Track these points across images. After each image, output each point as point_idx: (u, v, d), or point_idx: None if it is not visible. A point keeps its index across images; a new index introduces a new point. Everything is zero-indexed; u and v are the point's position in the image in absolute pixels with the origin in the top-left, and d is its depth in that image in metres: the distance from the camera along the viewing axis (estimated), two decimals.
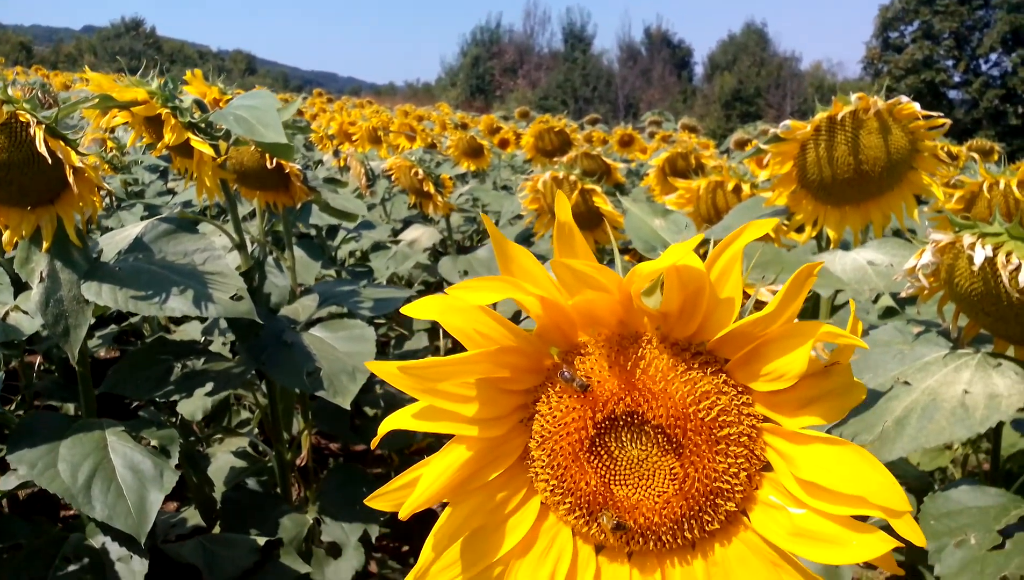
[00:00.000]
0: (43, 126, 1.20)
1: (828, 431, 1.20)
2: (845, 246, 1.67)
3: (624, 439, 0.48)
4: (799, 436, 0.44)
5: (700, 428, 0.45)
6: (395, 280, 4.02)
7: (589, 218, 2.07)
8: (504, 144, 6.90)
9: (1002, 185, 1.56)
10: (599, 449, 0.48)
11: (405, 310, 0.44)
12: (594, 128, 11.02)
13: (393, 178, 3.36)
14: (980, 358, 1.15)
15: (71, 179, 1.23)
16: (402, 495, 0.48)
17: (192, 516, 1.83)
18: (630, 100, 58.73)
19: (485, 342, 0.46)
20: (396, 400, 2.10)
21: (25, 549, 1.39)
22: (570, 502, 0.49)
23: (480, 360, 0.46)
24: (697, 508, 0.46)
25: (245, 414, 2.72)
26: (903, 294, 1.20)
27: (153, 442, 1.41)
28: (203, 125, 1.54)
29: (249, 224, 3.16)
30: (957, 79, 42.82)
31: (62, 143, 1.23)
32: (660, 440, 0.47)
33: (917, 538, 0.40)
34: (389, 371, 0.44)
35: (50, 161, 1.19)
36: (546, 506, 0.50)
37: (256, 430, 2.38)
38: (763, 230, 0.42)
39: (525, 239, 4.02)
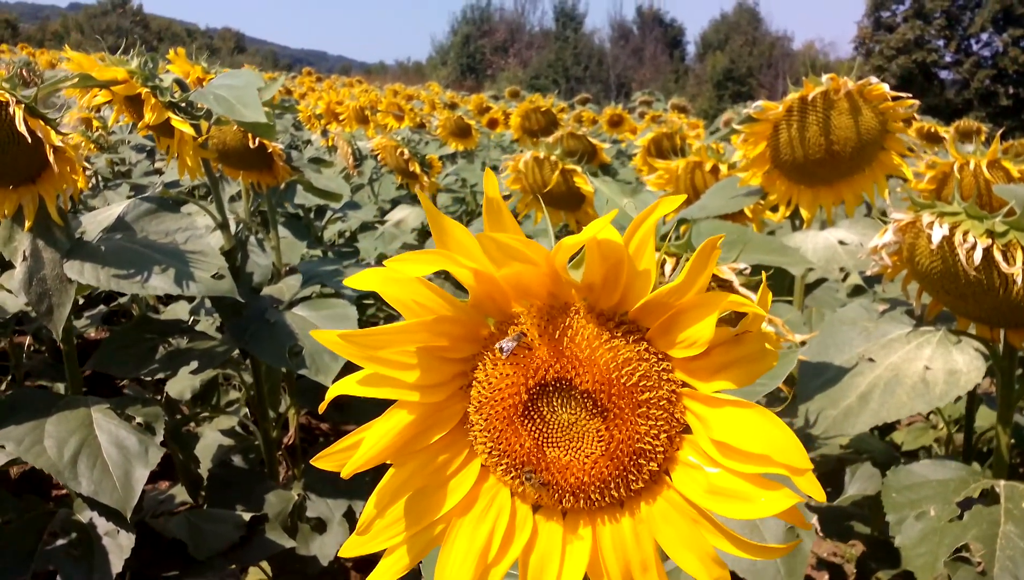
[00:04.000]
0: (23, 105, 1.21)
1: (793, 405, 1.23)
2: (821, 226, 1.70)
3: (555, 404, 0.51)
4: (713, 399, 0.47)
5: (623, 393, 0.48)
6: (383, 259, 4.04)
7: (570, 198, 2.09)
8: (493, 124, 6.90)
9: (972, 165, 1.59)
10: (532, 414, 0.51)
11: (347, 282, 0.47)
12: (584, 108, 11.00)
13: (379, 158, 3.37)
14: (941, 335, 1.18)
15: (51, 158, 1.25)
16: (346, 456, 0.51)
17: (180, 493, 1.85)
18: (622, 80, 58.51)
19: (423, 312, 0.49)
20: None
21: (13, 524, 1.42)
22: (506, 463, 0.52)
23: (418, 329, 0.48)
24: (623, 468, 0.49)
25: (234, 394, 2.75)
26: (869, 272, 1.23)
27: (139, 419, 1.43)
28: (184, 104, 1.55)
29: (237, 204, 3.17)
30: (948, 59, 42.78)
31: (42, 122, 1.24)
32: (588, 405, 0.50)
33: (817, 494, 0.43)
34: (332, 340, 0.47)
35: (30, 140, 1.21)
36: (486, 468, 0.53)
37: (245, 410, 2.40)
38: (673, 205, 0.45)
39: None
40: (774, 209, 1.66)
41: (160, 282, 1.35)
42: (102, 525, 1.37)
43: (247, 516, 1.63)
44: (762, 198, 1.63)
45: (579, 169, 2.00)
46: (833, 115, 1.46)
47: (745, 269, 0.92)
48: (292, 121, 8.04)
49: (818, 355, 1.27)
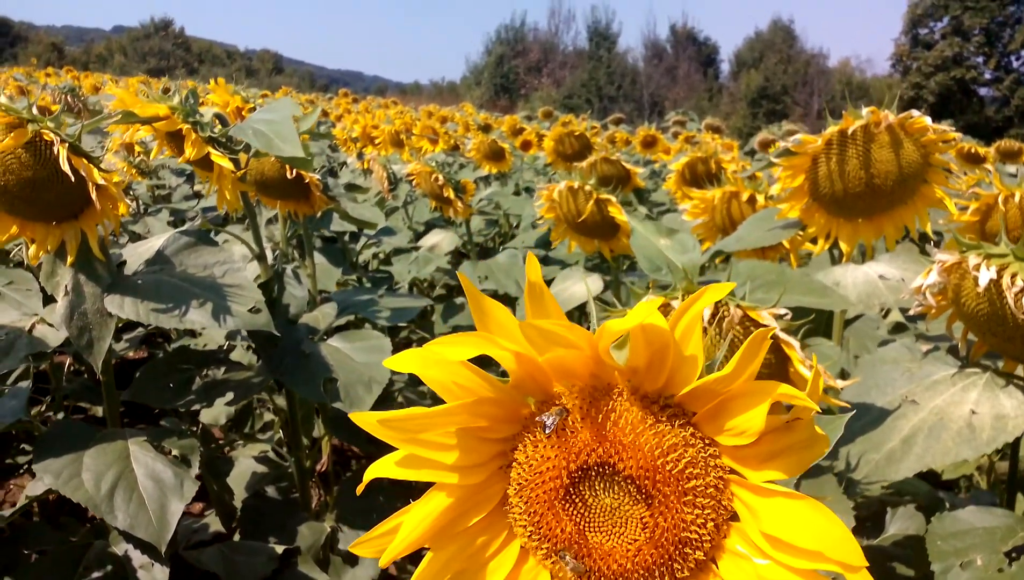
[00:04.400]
0: (66, 144, 1.23)
1: (833, 449, 1.21)
2: (861, 257, 1.67)
3: (598, 488, 0.49)
4: (763, 489, 0.46)
5: (668, 479, 0.47)
6: (417, 283, 4.05)
7: (604, 227, 2.08)
8: (527, 146, 6.91)
9: (1017, 198, 1.55)
10: (574, 497, 0.50)
11: (387, 363, 0.46)
12: (617, 128, 11.00)
13: (414, 183, 3.39)
14: (988, 378, 1.15)
15: (94, 196, 1.27)
16: (384, 542, 0.50)
17: (213, 522, 1.87)
18: (655, 98, 58.47)
19: (463, 394, 0.48)
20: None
21: (50, 556, 1.44)
22: (547, 547, 0.50)
23: (459, 411, 0.48)
24: (667, 556, 0.48)
25: (269, 416, 2.76)
26: (912, 312, 1.21)
27: (175, 451, 1.44)
28: (223, 139, 1.57)
29: (273, 226, 3.20)
30: (988, 76, 42.17)
31: (85, 160, 1.26)
32: (631, 490, 0.48)
33: None
34: (370, 423, 0.47)
35: (73, 179, 1.23)
36: (526, 550, 0.52)
37: (279, 434, 2.41)
38: (721, 294, 0.43)
39: (543, 244, 4.04)
40: (813, 241, 1.64)
41: (198, 316, 1.36)
42: (137, 558, 1.38)
43: (280, 548, 1.63)
44: (800, 230, 1.61)
45: (613, 199, 1.99)
46: (874, 148, 1.43)
47: (786, 314, 0.91)
48: (328, 142, 8.15)
49: (859, 395, 1.24)
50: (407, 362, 0.46)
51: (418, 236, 4.36)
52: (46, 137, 1.23)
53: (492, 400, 0.49)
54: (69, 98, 4.72)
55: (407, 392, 2.31)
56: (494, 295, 3.41)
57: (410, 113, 12.05)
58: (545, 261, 3.77)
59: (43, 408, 2.95)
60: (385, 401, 2.13)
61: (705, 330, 0.91)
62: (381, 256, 4.25)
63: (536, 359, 0.46)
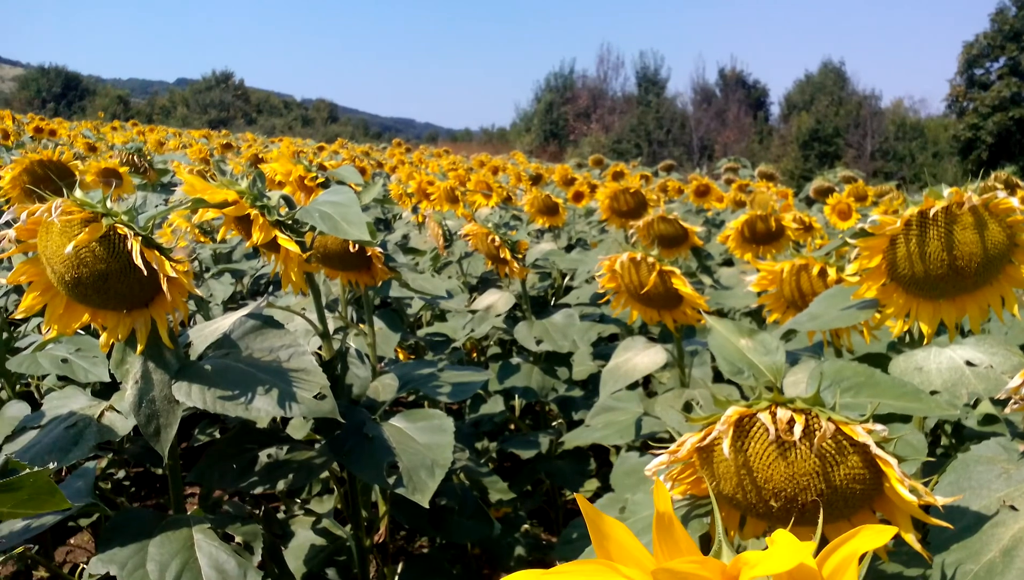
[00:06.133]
0: (140, 238, 1.25)
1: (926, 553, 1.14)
2: (940, 336, 1.60)
3: None
4: None
5: None
6: (472, 340, 4.05)
7: (668, 298, 2.04)
8: (579, 197, 6.92)
9: None
10: None
11: None
12: (669, 176, 10.97)
13: (470, 245, 3.39)
14: None
15: (165, 287, 1.27)
16: None
17: None
18: (705, 142, 58.36)
19: None
20: (469, 498, 2.09)
21: None
22: None
23: None
24: None
25: (326, 473, 2.75)
26: (1007, 411, 1.14)
27: (238, 538, 1.43)
28: (290, 222, 1.58)
29: (331, 284, 3.23)
30: None
31: (157, 253, 1.28)
32: None
33: None
34: None
35: (146, 272, 1.24)
36: None
37: (337, 504, 2.39)
38: (875, 543, 0.40)
39: (598, 301, 4.01)
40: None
41: (264, 404, 1.35)
42: None
43: None
44: (878, 310, 1.55)
45: (677, 271, 1.95)
46: (956, 230, 1.38)
47: (883, 431, 0.86)
48: (383, 193, 8.26)
49: (950, 494, 1.17)
50: None
51: (471, 289, 4.37)
52: (120, 231, 1.24)
53: None
54: (136, 158, 4.87)
55: (471, 472, 2.28)
56: (550, 355, 3.38)
57: (462, 164, 12.19)
58: (602, 319, 3.73)
59: (104, 464, 2.99)
60: (445, 481, 2.10)
61: (794, 444, 0.87)
62: (437, 310, 4.26)
63: None
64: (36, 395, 2.84)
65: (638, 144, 54.60)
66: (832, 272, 1.84)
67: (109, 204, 1.28)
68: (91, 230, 1.22)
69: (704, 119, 60.27)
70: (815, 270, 1.86)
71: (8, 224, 1.28)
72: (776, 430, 0.86)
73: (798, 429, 0.84)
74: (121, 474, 3.55)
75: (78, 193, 1.26)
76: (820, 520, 0.70)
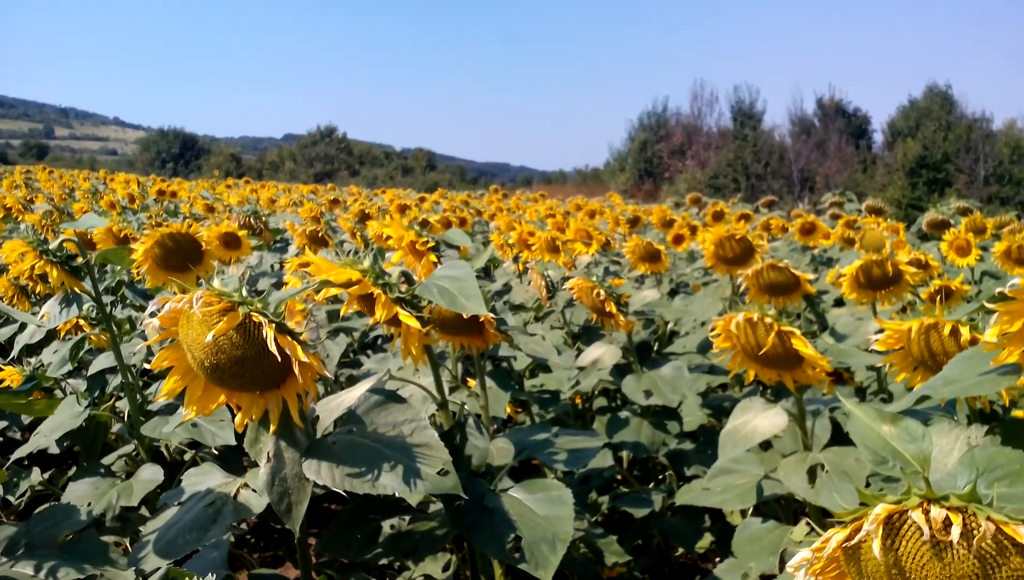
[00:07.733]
0: (273, 325, 1.30)
1: None
2: None
3: None
4: None
5: None
6: (579, 393, 4.03)
7: (787, 359, 1.98)
8: (679, 240, 6.84)
9: None
10: None
11: None
12: (771, 213, 10.72)
13: (575, 298, 3.39)
14: None
15: (296, 371, 1.32)
16: None
17: None
18: (805, 173, 56.91)
19: None
20: (590, 570, 2.07)
21: None
22: None
23: None
24: None
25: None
26: None
27: None
28: (409, 297, 1.62)
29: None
30: None
31: (289, 338, 1.33)
32: None
33: None
34: None
35: (280, 358, 1.29)
36: None
37: (454, 568, 2.41)
38: None
39: (705, 349, 3.93)
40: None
41: (389, 480, 1.38)
42: None
43: None
44: (1020, 377, 1.46)
45: (797, 332, 1.90)
46: None
47: None
48: (482, 240, 8.38)
49: None
50: None
51: (575, 337, 4.35)
52: (255, 319, 1.30)
53: None
54: (252, 221, 5.10)
55: (593, 540, 2.26)
56: (660, 408, 3.32)
57: (559, 208, 12.26)
58: (711, 370, 3.66)
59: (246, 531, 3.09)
60: (568, 567, 2.09)
61: (951, 544, 0.82)
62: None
63: None
64: (165, 454, 2.98)
65: (735, 179, 53.69)
66: (965, 331, 1.75)
67: (244, 292, 1.34)
68: (229, 319, 1.28)
69: (804, 150, 58.83)
70: (946, 330, 1.77)
71: (153, 314, 1.35)
72: (931, 530, 0.81)
73: (956, 531, 0.80)
74: (244, 526, 3.67)
75: (216, 283, 1.33)
76: None
